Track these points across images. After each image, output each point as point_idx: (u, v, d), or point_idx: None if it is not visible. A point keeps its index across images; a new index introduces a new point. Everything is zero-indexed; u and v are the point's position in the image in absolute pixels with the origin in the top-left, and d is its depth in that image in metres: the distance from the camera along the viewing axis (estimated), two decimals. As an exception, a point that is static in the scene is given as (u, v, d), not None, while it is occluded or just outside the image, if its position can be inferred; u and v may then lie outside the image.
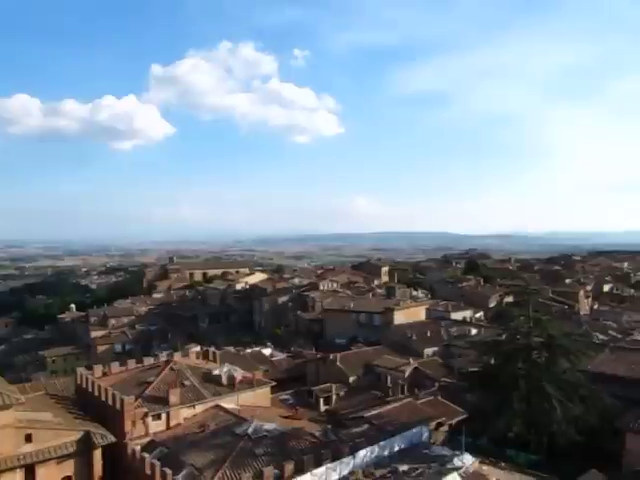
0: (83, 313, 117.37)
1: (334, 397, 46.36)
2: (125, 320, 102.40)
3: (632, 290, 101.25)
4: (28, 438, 27.09)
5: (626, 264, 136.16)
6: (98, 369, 39.75)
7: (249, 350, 62.84)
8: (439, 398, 43.23)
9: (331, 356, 53.26)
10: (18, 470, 26.69)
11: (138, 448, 29.90)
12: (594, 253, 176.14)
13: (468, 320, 70.07)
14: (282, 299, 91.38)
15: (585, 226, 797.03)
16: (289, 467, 27.89)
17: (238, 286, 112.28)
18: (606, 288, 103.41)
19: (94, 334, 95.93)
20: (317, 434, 33.54)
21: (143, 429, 32.58)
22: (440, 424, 39.39)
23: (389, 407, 40.16)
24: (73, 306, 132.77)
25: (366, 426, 36.57)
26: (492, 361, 42.39)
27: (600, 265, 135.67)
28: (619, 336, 58.21)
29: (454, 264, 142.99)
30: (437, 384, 47.23)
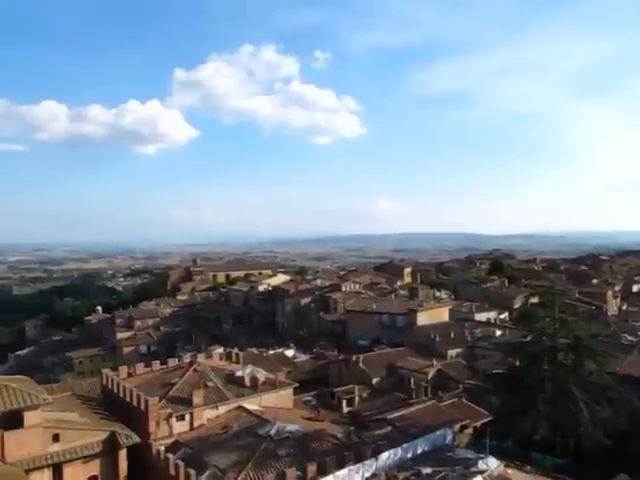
0: (109, 315, 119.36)
1: (357, 399, 46.28)
2: (150, 322, 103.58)
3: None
4: (55, 438, 27.51)
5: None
6: (123, 370, 40.26)
7: (272, 351, 63.12)
8: (463, 400, 42.78)
9: (354, 357, 53.16)
10: (46, 469, 27.14)
11: (162, 448, 30.20)
12: (622, 252, 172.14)
13: (492, 321, 69.29)
14: (304, 300, 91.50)
15: (612, 225, 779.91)
16: (311, 468, 27.84)
17: (261, 288, 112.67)
18: (635, 288, 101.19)
19: (120, 335, 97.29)
20: (339, 436, 33.45)
21: (167, 430, 32.88)
22: (464, 427, 38.98)
23: (412, 409, 39.87)
24: (99, 308, 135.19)
25: (389, 428, 36.36)
26: (517, 363, 41.85)
27: (629, 264, 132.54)
28: (649, 337, 56.93)
29: (478, 264, 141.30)
30: (461, 386, 46.78)
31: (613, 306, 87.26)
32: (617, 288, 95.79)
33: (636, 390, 37.32)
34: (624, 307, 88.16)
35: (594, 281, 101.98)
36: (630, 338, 56.25)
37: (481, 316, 71.14)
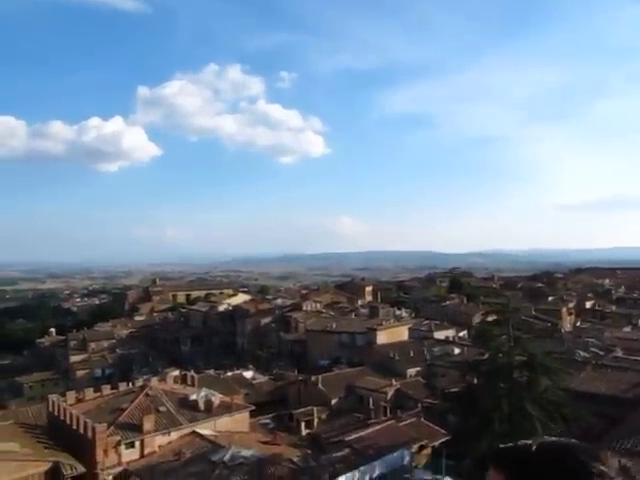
0: (63, 337, 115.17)
1: (316, 420, 45.55)
2: (105, 344, 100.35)
3: (613, 307, 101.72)
4: (-8, 471, 26.06)
5: (607, 281, 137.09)
6: (71, 395, 38.70)
7: (230, 373, 61.75)
8: (422, 420, 42.63)
9: (312, 378, 52.49)
10: (-19, 505, 25.63)
11: (110, 478, 28.93)
12: (575, 270, 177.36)
13: (451, 339, 69.74)
14: (265, 320, 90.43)
15: (565, 243, 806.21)
16: (266, 495, 27.11)
17: (221, 307, 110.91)
18: (588, 305, 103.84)
19: (73, 359, 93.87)
20: (296, 460, 32.76)
21: (116, 458, 31.61)
22: (422, 447, 38.78)
23: (370, 430, 39.47)
24: (53, 330, 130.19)
25: (347, 450, 35.80)
26: (474, 381, 41.98)
27: (582, 282, 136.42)
28: (601, 353, 58.08)
29: (438, 282, 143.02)
30: (420, 405, 46.65)
31: (567, 323, 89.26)
32: (571, 305, 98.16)
33: (589, 406, 37.78)
34: (578, 323, 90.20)
35: (549, 298, 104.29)
36: (583, 354, 57.27)
37: (440, 334, 71.56)
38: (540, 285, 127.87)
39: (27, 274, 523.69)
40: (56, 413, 34.76)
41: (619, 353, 56.18)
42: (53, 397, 37.19)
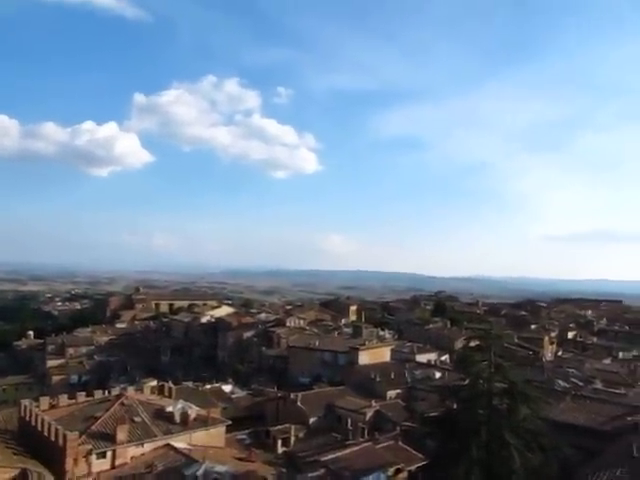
0: (41, 341, 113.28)
1: (293, 438, 44.96)
2: (84, 350, 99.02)
3: (595, 338, 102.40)
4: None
5: (590, 312, 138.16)
6: (45, 401, 37.86)
7: (209, 386, 61.03)
8: (399, 443, 42.23)
9: (292, 395, 51.99)
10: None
11: (78, 489, 28.25)
12: (559, 300, 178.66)
13: (433, 363, 69.55)
14: (247, 334, 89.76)
15: (550, 273, 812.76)
16: (237, 513, 26.59)
17: (203, 319, 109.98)
18: (570, 335, 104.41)
19: (50, 363, 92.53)
20: (270, 478, 32.29)
21: (86, 468, 30.84)
22: (399, 470, 38.33)
23: (347, 451, 39.00)
24: (31, 333, 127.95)
25: (322, 471, 35.33)
26: (454, 406, 41.79)
27: (565, 312, 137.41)
28: (581, 384, 58.25)
29: (423, 305, 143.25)
30: (398, 428, 46.28)
31: (549, 352, 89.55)
32: (553, 334, 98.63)
33: (568, 437, 37.74)
34: (559, 353, 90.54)
35: (532, 326, 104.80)
36: (563, 384, 57.40)
37: (422, 357, 71.39)
38: (524, 313, 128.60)
39: (8, 275, 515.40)
40: (27, 418, 33.90)
41: (599, 385, 56.37)
42: (25, 402, 36.22)
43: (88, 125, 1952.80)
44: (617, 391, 52.70)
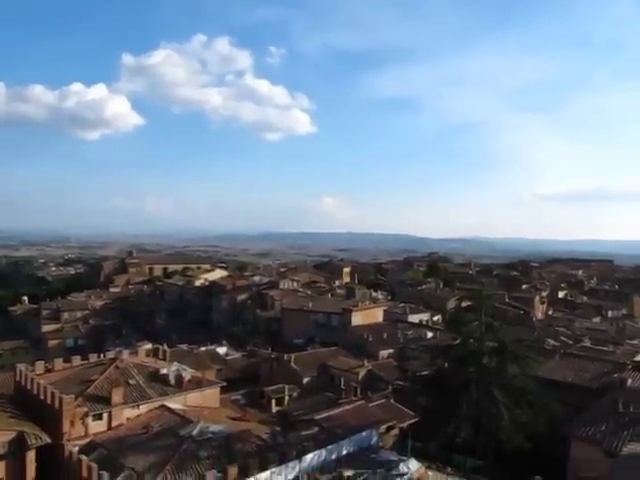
0: (35, 306, 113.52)
1: (287, 398, 45.83)
2: (79, 314, 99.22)
3: (585, 297, 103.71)
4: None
5: (580, 272, 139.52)
6: (40, 365, 38.12)
7: (203, 348, 61.64)
8: (391, 401, 43.15)
9: (285, 356, 52.69)
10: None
11: (75, 449, 28.68)
12: (550, 260, 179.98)
13: (425, 323, 70.46)
14: (241, 297, 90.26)
15: (541, 233, 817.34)
16: (232, 471, 27.09)
17: (197, 282, 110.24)
18: (561, 295, 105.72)
19: (45, 328, 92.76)
20: (264, 437, 32.90)
21: (83, 430, 31.28)
22: (391, 427, 39.26)
23: (340, 410, 39.78)
24: (25, 298, 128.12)
25: (316, 429, 36.07)
26: (445, 365, 42.55)
27: (556, 272, 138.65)
28: (570, 342, 59.38)
29: (416, 266, 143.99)
30: (390, 387, 47.19)
31: (540, 311, 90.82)
32: (544, 294, 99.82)
33: (557, 394, 38.62)
34: (550, 312, 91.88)
35: (524, 286, 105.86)
36: (553, 343, 58.47)
37: (415, 318, 72.23)
38: (515, 273, 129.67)
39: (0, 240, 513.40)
40: (23, 382, 34.24)
41: (587, 343, 57.42)
42: (21, 366, 36.49)
43: (77, 87, 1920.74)
44: (605, 349, 53.71)
